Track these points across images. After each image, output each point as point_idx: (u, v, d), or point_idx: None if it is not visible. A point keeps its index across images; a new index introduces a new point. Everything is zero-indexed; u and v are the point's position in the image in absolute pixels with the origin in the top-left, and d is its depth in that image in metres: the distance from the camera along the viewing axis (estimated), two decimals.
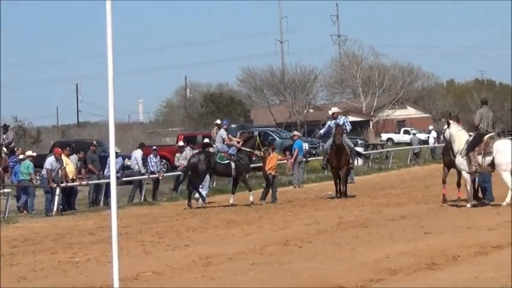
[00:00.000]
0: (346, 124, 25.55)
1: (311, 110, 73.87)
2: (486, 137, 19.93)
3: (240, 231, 17.63)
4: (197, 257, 13.61)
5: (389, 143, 67.80)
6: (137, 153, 28.78)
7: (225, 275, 11.86)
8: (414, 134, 53.30)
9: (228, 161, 24.99)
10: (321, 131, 26.45)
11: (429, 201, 21.77)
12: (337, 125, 25.00)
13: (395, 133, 76.55)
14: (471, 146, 20.19)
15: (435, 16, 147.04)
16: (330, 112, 26.26)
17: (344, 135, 25.24)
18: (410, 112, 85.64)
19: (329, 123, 25.73)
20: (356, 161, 43.91)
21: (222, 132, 25.79)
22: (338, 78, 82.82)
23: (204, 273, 12.08)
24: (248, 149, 25.08)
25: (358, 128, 73.36)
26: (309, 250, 14.07)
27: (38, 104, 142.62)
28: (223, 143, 25.44)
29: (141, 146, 29.73)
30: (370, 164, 43.66)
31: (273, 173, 25.62)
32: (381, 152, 51.11)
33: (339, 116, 25.83)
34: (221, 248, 14.73)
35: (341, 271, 11.76)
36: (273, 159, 25.94)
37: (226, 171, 25.39)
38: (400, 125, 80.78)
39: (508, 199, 19.71)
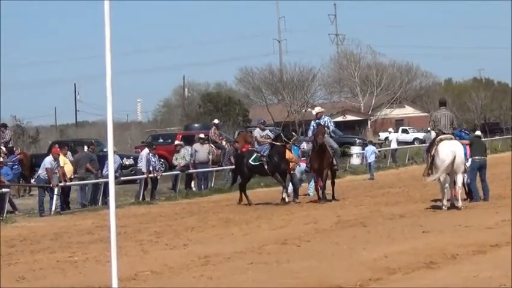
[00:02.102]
0: (330, 124, 24.84)
1: (309, 109, 73.79)
2: (437, 139, 19.91)
3: (238, 230, 17.63)
4: (195, 256, 13.61)
5: (387, 142, 67.74)
6: (143, 152, 29.09)
7: (223, 274, 11.86)
8: (427, 131, 49.59)
9: (260, 162, 24.81)
10: (308, 137, 25.58)
11: (428, 200, 21.76)
12: (318, 124, 24.26)
13: (394, 132, 76.50)
14: (427, 149, 20.48)
15: (433, 15, 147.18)
16: (313, 112, 25.46)
17: (327, 135, 24.39)
18: (408, 111, 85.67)
19: (312, 123, 24.96)
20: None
21: (257, 131, 25.70)
22: (336, 77, 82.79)
23: (202, 272, 12.08)
24: (280, 144, 24.42)
25: (356, 127, 73.39)
26: (307, 249, 14.07)
27: (36, 104, 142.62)
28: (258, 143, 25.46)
29: (148, 145, 30.25)
30: None
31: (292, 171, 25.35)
32: (379, 151, 51.11)
33: (323, 116, 24.94)
34: (219, 247, 14.74)
35: (339, 270, 11.77)
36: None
37: (262, 171, 25.23)
38: (398, 124, 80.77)
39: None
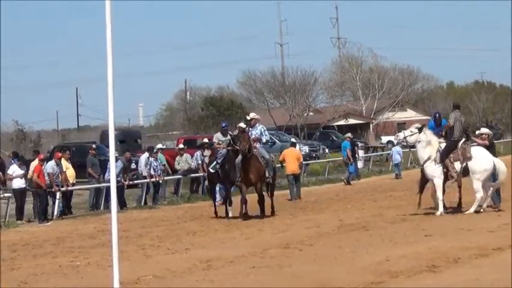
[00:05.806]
0: (263, 134, 22.42)
1: (311, 113, 73.82)
2: (461, 142, 19.74)
3: (240, 234, 17.64)
4: (197, 260, 13.62)
5: (389, 146, 67.76)
6: (143, 157, 29.10)
7: (225, 278, 11.86)
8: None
9: (216, 170, 23.11)
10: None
11: (430, 204, 21.73)
12: (242, 131, 21.51)
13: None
14: (446, 153, 19.76)
15: (434, 18, 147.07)
16: (248, 118, 22.95)
17: (259, 145, 22.04)
18: (410, 114, 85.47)
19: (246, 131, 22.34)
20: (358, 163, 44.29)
21: (216, 136, 25.36)
22: (337, 80, 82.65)
23: (204, 276, 12.08)
24: (232, 149, 21.84)
25: (358, 130, 73.40)
26: (309, 253, 14.07)
27: (38, 108, 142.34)
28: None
29: (148, 149, 30.28)
30: (370, 167, 43.76)
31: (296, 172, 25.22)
32: (382, 155, 51.28)
33: (257, 124, 22.56)
34: (221, 251, 14.74)
35: (341, 274, 11.76)
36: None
37: (219, 178, 23.34)
38: (400, 127, 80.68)
39: (472, 208, 19.44)
